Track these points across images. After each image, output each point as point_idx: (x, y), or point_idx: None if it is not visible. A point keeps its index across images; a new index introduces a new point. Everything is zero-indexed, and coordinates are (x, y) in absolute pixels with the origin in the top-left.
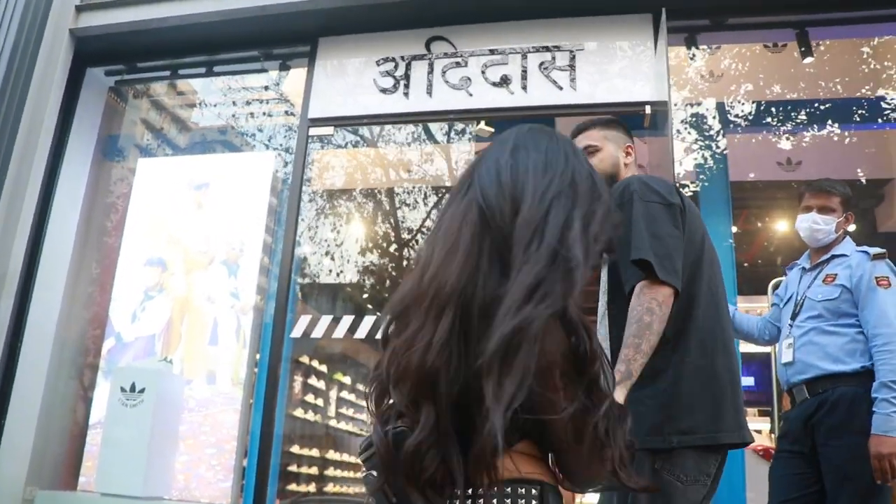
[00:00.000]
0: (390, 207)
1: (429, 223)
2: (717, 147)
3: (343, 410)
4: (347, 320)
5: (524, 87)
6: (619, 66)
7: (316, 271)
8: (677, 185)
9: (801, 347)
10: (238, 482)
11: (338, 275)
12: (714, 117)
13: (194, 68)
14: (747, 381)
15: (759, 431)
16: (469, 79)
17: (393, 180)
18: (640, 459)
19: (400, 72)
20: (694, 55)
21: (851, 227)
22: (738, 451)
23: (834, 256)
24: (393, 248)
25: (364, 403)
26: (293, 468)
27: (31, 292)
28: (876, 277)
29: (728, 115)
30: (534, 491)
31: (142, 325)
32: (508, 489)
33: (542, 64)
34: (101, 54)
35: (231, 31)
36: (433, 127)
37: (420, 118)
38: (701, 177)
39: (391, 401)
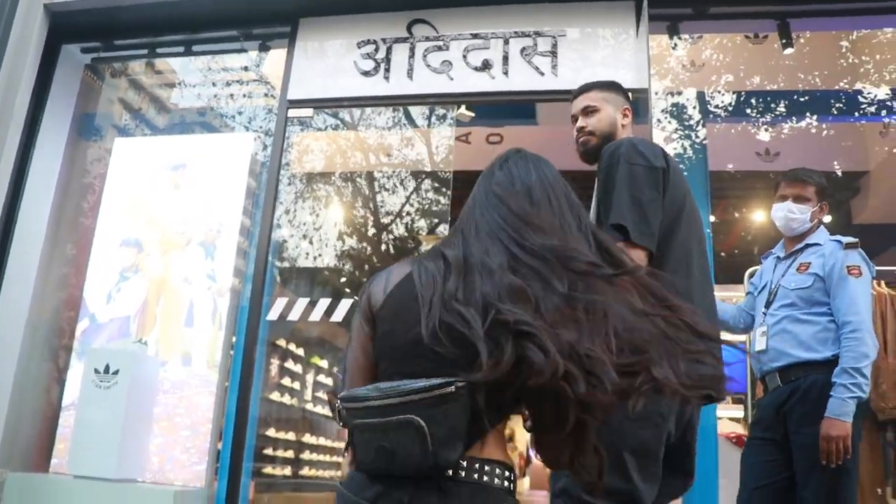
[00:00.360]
0: (370, 192)
1: (408, 208)
2: (697, 137)
3: (319, 394)
4: (324, 303)
5: (505, 73)
6: (601, 53)
7: (294, 255)
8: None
9: (774, 335)
10: (213, 465)
11: (315, 258)
12: (694, 107)
13: (173, 47)
14: None
15: (735, 420)
16: (450, 63)
17: (373, 164)
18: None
19: (381, 54)
20: (675, 44)
21: (827, 218)
22: (710, 439)
23: (808, 245)
24: (371, 232)
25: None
26: (269, 451)
27: (4, 273)
28: (848, 266)
29: (708, 105)
30: (507, 473)
31: (117, 307)
32: (487, 468)
33: (523, 49)
34: (76, 30)
35: (211, 9)
36: (414, 111)
37: (400, 101)
38: (680, 166)
39: None
